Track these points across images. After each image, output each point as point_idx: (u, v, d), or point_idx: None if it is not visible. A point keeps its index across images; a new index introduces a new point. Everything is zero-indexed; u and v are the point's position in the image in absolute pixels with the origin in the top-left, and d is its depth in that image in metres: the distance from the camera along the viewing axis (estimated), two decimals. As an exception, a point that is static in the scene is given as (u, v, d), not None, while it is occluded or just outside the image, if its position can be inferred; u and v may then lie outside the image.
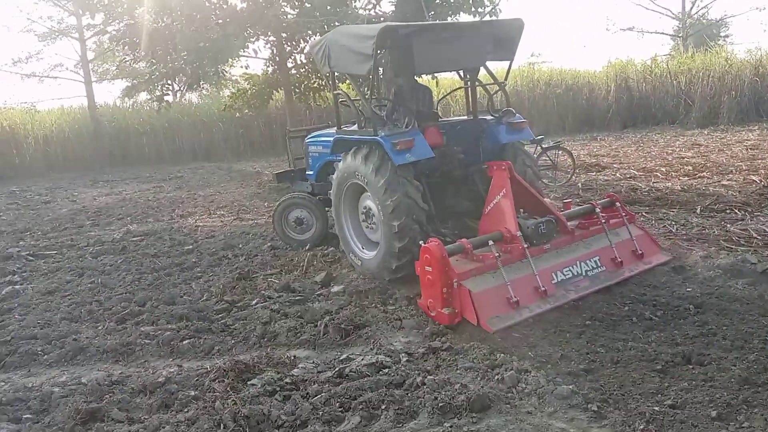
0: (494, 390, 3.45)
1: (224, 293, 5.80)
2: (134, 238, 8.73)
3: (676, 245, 5.98)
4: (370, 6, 14.04)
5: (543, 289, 4.68)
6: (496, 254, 4.69)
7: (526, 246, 4.88)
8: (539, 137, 11.11)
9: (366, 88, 6.13)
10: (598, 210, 5.48)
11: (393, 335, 4.54)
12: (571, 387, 3.40)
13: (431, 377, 3.61)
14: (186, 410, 3.55)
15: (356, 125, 6.33)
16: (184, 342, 4.67)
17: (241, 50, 13.48)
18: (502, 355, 3.86)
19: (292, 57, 16.00)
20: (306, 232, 7.41)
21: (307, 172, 7.73)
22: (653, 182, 9.77)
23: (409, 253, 5.28)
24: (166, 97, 14.45)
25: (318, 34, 14.44)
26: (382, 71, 7.57)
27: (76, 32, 21.08)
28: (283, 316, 5.11)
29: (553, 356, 3.86)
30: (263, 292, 5.77)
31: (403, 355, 4.08)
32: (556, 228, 5.22)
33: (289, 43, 15.25)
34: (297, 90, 16.09)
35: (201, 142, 21.51)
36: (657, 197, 8.41)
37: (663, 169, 10.90)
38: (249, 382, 3.82)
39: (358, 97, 6.50)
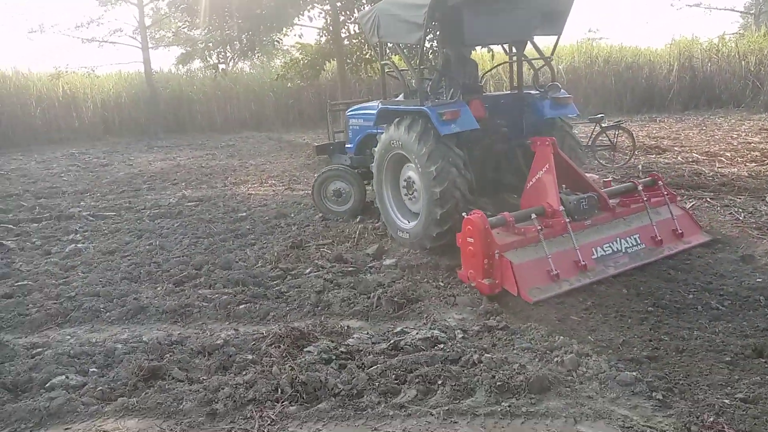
0: (553, 372, 3.37)
1: (278, 261, 5.88)
2: (189, 203, 8.93)
3: (744, 233, 5.70)
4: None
5: (583, 263, 4.73)
6: (538, 227, 4.76)
7: (567, 221, 4.91)
8: (599, 116, 10.72)
9: (415, 59, 6.16)
10: (640, 188, 5.48)
11: (446, 311, 4.50)
12: (634, 374, 3.29)
13: (488, 355, 3.55)
14: (244, 373, 3.62)
15: (401, 96, 6.40)
16: (241, 306, 4.76)
17: (296, 19, 13.40)
18: (561, 337, 3.76)
19: (346, 27, 15.84)
20: (344, 203, 7.54)
21: (346, 145, 7.86)
22: (718, 167, 9.33)
23: (450, 220, 5.38)
24: (221, 65, 14.57)
25: (371, 3, 14.26)
26: (433, 42, 7.43)
27: (134, -2, 21.40)
28: (336, 286, 5.13)
29: (615, 341, 3.75)
30: (316, 261, 5.81)
31: (458, 331, 4.03)
32: (597, 204, 5.25)
33: (343, 13, 15.08)
34: (349, 61, 15.96)
35: (252, 112, 21.74)
36: (722, 183, 8.02)
37: (728, 154, 10.39)
38: (305, 349, 3.86)
39: (405, 68, 6.55)
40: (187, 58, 18.89)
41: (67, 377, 3.66)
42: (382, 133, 6.36)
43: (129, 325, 4.64)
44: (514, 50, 6.66)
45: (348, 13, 15.30)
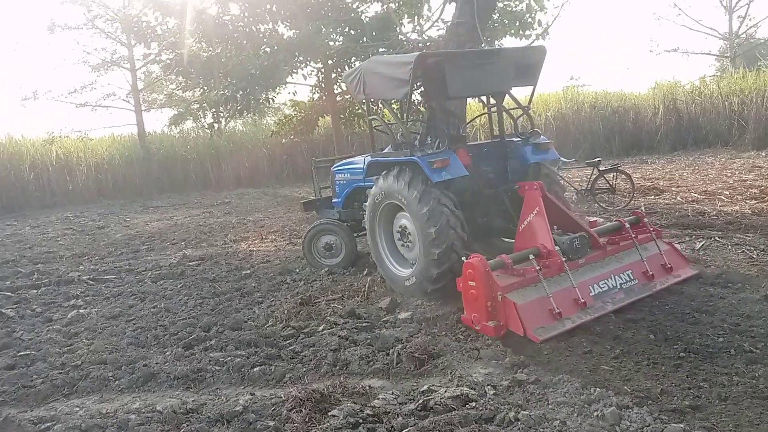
0: (595, 428, 3.22)
1: (289, 319, 5.72)
2: (191, 263, 8.77)
3: (763, 272, 5.64)
4: (414, 33, 14.11)
5: (583, 300, 4.83)
6: (537, 267, 4.85)
7: (564, 260, 5.04)
8: (596, 159, 10.84)
9: (402, 113, 6.52)
10: (627, 225, 5.71)
11: (471, 366, 4.34)
12: (681, 425, 3.15)
13: (525, 412, 3.40)
14: (268, 442, 3.43)
15: (388, 149, 6.65)
16: (255, 369, 4.57)
17: (289, 76, 13.64)
18: (598, 389, 3.62)
19: (338, 83, 16.16)
20: (335, 257, 7.64)
21: (333, 200, 8.08)
22: (719, 206, 9.37)
23: (447, 260, 5.49)
24: (216, 124, 14.71)
25: (360, 60, 14.61)
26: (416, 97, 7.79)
27: (127, 63, 21.76)
28: (352, 343, 4.97)
29: (653, 391, 3.61)
30: (328, 318, 5.66)
31: (488, 387, 3.88)
32: (588, 243, 5.40)
33: (335, 70, 15.40)
34: (343, 116, 16.20)
35: (246, 169, 21.82)
36: (728, 221, 8.04)
37: (726, 193, 10.48)
38: (329, 413, 3.68)
39: (392, 122, 6.89)
40: (180, 118, 19.17)
41: (79, 455, 3.45)
42: (371, 185, 6.53)
43: (140, 393, 4.44)
44: (492, 101, 7.05)
45: (339, 70, 15.65)
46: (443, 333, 5.05)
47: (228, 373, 4.56)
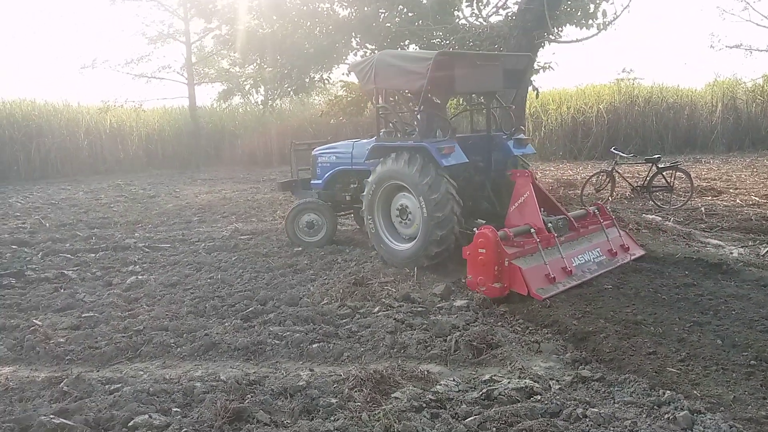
0: (666, 431, 3.15)
1: (344, 298, 5.76)
2: (243, 237, 8.92)
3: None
4: (473, 17, 13.86)
5: (569, 269, 5.81)
6: (537, 240, 5.79)
7: (556, 236, 6.01)
8: (655, 156, 10.54)
9: (414, 103, 7.22)
10: (595, 211, 6.85)
11: (531, 359, 4.31)
12: (759, 436, 3.06)
13: (594, 410, 3.35)
14: (333, 418, 3.47)
15: (375, 138, 7.27)
16: (314, 345, 4.63)
17: (344, 57, 13.60)
18: (669, 392, 3.54)
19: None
20: (316, 234, 8.16)
21: (312, 182, 8.58)
22: (784, 211, 9.02)
23: (447, 240, 6.37)
24: (269, 101, 14.82)
25: (416, 43, 14.46)
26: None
27: (183, 36, 22.08)
28: (408, 326, 4.99)
29: (725, 398, 3.50)
30: (383, 300, 5.69)
31: (552, 382, 3.84)
32: (567, 224, 6.39)
33: (388, 52, 15.28)
34: (392, 99, 16.10)
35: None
36: (795, 228, 7.73)
37: (790, 198, 10.08)
38: (392, 395, 3.70)
39: (403, 111, 7.74)
40: (229, 93, 19.34)
41: (150, 416, 3.55)
42: (358, 169, 7.64)
43: (201, 361, 4.55)
44: (483, 99, 7.92)
45: (392, 51, 15.53)
46: (500, 324, 5.03)
47: (287, 348, 4.63)
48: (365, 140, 8.00)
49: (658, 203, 10.29)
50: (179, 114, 23.64)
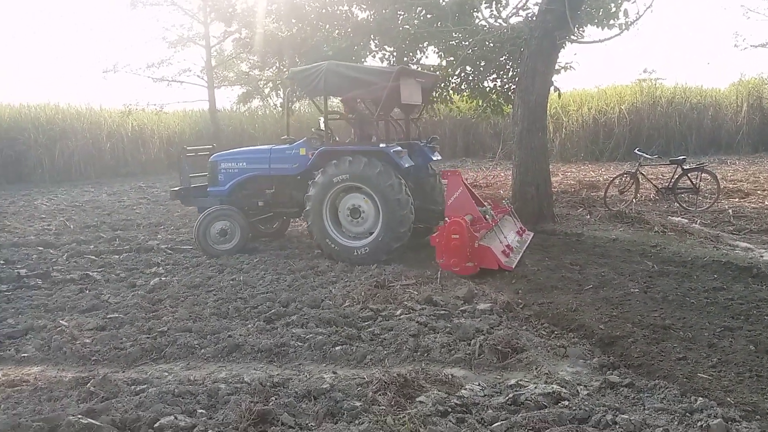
0: (700, 439, 3.07)
1: (366, 300, 5.74)
2: (263, 239, 8.94)
3: None
4: (492, 18, 13.77)
5: (511, 246, 7.20)
6: (492, 224, 7.15)
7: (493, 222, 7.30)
8: (680, 158, 10.38)
9: (373, 111, 8.00)
10: (506, 202, 8.78)
11: (557, 364, 4.25)
12: (797, 445, 2.97)
13: (624, 416, 3.28)
14: (358, 422, 3.44)
15: (300, 142, 7.99)
16: (336, 348, 4.61)
17: (364, 60, 13.60)
18: (701, 399, 3.46)
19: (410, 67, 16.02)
20: (229, 242, 8.09)
21: (211, 188, 8.59)
22: (814, 213, 8.81)
23: (406, 235, 7.24)
24: (288, 104, 14.85)
25: (435, 46, 14.41)
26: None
27: (203, 40, 22.29)
28: (432, 330, 4.94)
29: (760, 406, 3.41)
30: (405, 302, 5.64)
31: (580, 387, 3.77)
32: (492, 213, 7.53)
33: (407, 54, 15.26)
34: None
35: (310, 148, 22.06)
36: (826, 231, 7.54)
37: (820, 200, 9.85)
38: (416, 399, 3.67)
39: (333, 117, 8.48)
40: (248, 96, 19.49)
41: (175, 417, 3.55)
42: (279, 174, 8.11)
43: (225, 363, 4.56)
44: (407, 111, 8.82)
45: (411, 54, 15.49)
46: (524, 327, 4.97)
47: (310, 350, 4.62)
48: (282, 146, 8.25)
49: (684, 205, 10.12)
50: (199, 117, 23.87)
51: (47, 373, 4.47)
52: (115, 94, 53.64)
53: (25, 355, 4.78)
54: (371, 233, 7.33)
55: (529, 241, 7.79)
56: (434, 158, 8.38)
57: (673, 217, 9.20)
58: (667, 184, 10.56)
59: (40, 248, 8.86)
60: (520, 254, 7.13)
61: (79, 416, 3.50)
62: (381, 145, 7.44)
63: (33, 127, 20.22)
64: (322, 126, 8.21)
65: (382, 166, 7.07)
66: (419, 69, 16.02)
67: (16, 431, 3.38)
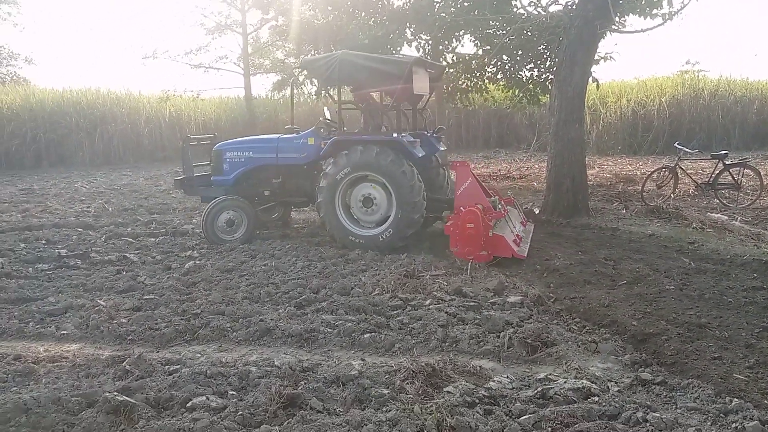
0: (734, 440, 3.00)
1: (395, 289, 5.75)
2: (295, 225, 9.04)
3: None
4: (532, 6, 13.53)
5: (520, 235, 7.32)
6: (504, 213, 7.27)
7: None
8: (722, 152, 10.08)
9: (384, 100, 8.34)
10: (509, 194, 8.99)
11: (588, 359, 4.19)
12: (837, 451, 2.88)
13: (655, 414, 3.23)
14: (385, 409, 3.46)
15: (304, 132, 8.09)
16: (365, 335, 4.65)
17: (399, 48, 13.55)
18: (736, 400, 3.37)
19: (444, 56, 15.89)
20: (236, 232, 8.09)
21: (214, 178, 8.48)
22: None
23: (419, 222, 7.40)
24: (322, 91, 14.91)
25: (471, 35, 14.24)
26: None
27: (240, 27, 22.49)
28: (461, 321, 4.93)
29: (799, 409, 3.32)
30: (434, 293, 5.64)
31: (611, 383, 3.72)
32: (501, 204, 7.61)
33: (443, 42, 15.13)
34: (446, 90, 15.97)
35: (344, 136, 22.15)
36: None
37: None
38: (444, 389, 3.67)
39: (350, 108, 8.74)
40: (283, 84, 19.61)
41: (207, 398, 3.64)
42: (289, 164, 8.10)
43: (256, 346, 4.63)
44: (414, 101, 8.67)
45: (446, 43, 15.36)
46: (555, 322, 4.92)
47: (339, 336, 4.66)
48: (290, 135, 8.21)
49: (725, 201, 9.83)
50: (235, 104, 24.15)
51: (85, 350, 4.62)
52: (153, 80, 54.64)
53: (65, 332, 4.94)
54: (384, 221, 7.43)
55: (532, 232, 7.90)
56: (440, 149, 8.51)
57: (713, 214, 8.95)
58: (707, 180, 10.27)
59: (79, 229, 9.13)
60: (528, 243, 7.27)
61: (115, 393, 3.61)
62: (393, 134, 7.54)
63: (75, 111, 20.76)
64: (328, 116, 8.37)
65: (394, 154, 7.17)
66: (454, 58, 15.96)
67: (56, 405, 3.51)
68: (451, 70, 16.04)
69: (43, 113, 20.46)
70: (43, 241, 8.28)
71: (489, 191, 7.86)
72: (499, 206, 7.40)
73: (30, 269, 6.86)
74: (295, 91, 23.44)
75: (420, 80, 7.77)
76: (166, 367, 4.21)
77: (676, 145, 11.05)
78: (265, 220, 9.09)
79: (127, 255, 7.46)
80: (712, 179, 10.05)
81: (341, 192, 7.49)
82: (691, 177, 10.84)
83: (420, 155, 7.45)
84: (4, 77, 30.26)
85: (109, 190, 14.05)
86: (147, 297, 5.80)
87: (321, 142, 7.84)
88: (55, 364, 4.29)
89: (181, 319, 5.13)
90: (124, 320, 5.15)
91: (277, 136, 8.43)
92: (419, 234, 7.87)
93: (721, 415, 3.28)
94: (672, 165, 10.61)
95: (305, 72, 15.66)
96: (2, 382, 3.97)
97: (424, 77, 7.99)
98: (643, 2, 11.93)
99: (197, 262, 7.05)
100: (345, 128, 8.17)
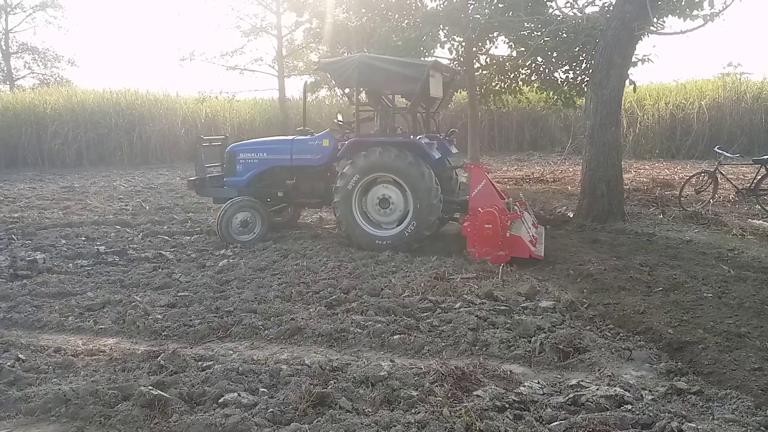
0: (774, 454, 2.91)
1: (425, 292, 5.75)
2: (327, 226, 9.11)
3: None
4: (567, 8, 13.36)
5: (535, 236, 7.28)
6: (519, 214, 7.28)
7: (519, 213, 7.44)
8: (765, 157, 9.76)
9: (400, 102, 8.77)
10: (521, 195, 8.81)
11: (621, 366, 4.11)
12: None
13: (691, 425, 3.15)
14: (414, 411, 3.46)
15: (328, 131, 8.27)
16: (395, 337, 4.65)
17: (433, 50, 13.54)
18: (776, 413, 3.27)
19: (477, 58, 15.82)
20: (251, 232, 8.16)
21: (227, 179, 8.54)
22: None
23: (436, 224, 7.52)
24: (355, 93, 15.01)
25: (505, 36, 14.11)
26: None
27: (275, 29, 22.79)
28: (491, 325, 4.90)
29: (844, 425, 3.20)
30: (465, 296, 5.62)
31: (645, 392, 3.65)
32: (514, 205, 7.55)
33: (476, 44, 15.06)
34: (479, 92, 15.88)
35: (375, 138, 22.22)
36: None
37: None
38: (473, 393, 3.65)
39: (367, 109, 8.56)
40: (316, 86, 19.76)
41: (239, 395, 3.69)
42: (303, 165, 8.20)
43: (287, 345, 4.69)
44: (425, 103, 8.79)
45: (480, 44, 15.27)
46: (588, 328, 4.85)
47: (369, 337, 4.68)
48: (305, 137, 8.29)
49: (767, 208, 9.52)
50: (269, 105, 24.47)
51: (122, 344, 4.74)
52: (190, 81, 55.77)
53: (102, 326, 5.08)
54: (404, 219, 7.51)
55: (542, 234, 7.94)
56: (452, 151, 8.65)
57: (754, 220, 8.68)
58: (748, 185, 9.97)
59: (117, 227, 9.38)
60: (543, 244, 7.33)
61: (150, 387, 3.69)
62: (410, 136, 7.62)
63: (114, 111, 21.34)
64: (340, 118, 8.43)
65: (413, 156, 7.26)
66: (488, 60, 15.87)
67: (94, 397, 3.62)
68: (485, 72, 15.96)
69: (84, 113, 21.11)
70: (83, 238, 8.53)
71: (502, 194, 7.89)
72: (516, 207, 7.43)
73: (70, 265, 7.08)
74: (326, 93, 23.68)
75: (436, 83, 7.88)
76: (199, 363, 4.28)
77: (716, 149, 10.76)
78: (275, 223, 9.11)
79: (163, 252, 7.63)
80: (753, 185, 9.75)
81: (358, 193, 7.54)
82: (731, 182, 10.54)
83: (437, 157, 7.59)
84: (48, 79, 31.27)
85: (147, 188, 14.39)
86: (182, 294, 5.92)
87: (337, 144, 7.89)
88: (93, 357, 4.42)
89: (215, 317, 5.22)
90: (159, 316, 5.27)
91: (291, 137, 8.52)
92: (446, 237, 7.88)
93: (762, 428, 3.18)
94: (711, 170, 10.34)
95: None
96: (44, 373, 4.10)
97: (439, 80, 8.11)
98: (683, 3, 11.69)
99: (231, 260, 7.17)
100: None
